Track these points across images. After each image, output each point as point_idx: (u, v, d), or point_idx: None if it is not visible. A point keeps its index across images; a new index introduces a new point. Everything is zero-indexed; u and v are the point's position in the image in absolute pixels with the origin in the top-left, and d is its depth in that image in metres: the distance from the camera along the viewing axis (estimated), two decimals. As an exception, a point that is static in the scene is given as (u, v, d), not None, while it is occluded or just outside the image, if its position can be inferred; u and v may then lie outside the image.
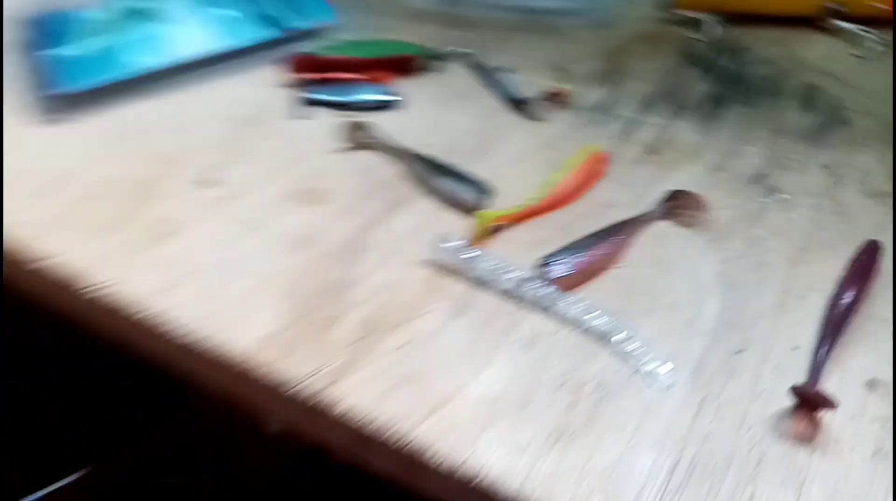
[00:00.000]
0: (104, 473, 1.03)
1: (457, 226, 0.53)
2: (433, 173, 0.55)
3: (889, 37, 0.71)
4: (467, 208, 0.54)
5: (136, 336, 0.48)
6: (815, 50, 0.71)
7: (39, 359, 1.01)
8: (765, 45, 0.73)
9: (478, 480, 0.37)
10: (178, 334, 0.45)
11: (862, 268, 0.46)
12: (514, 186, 0.56)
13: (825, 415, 0.40)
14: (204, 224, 0.52)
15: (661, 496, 0.37)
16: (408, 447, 0.39)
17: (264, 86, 0.68)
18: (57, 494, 1.02)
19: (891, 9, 0.71)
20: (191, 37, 0.71)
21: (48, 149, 0.60)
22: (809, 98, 0.65)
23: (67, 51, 0.69)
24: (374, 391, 0.41)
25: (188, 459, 1.11)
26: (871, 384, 0.41)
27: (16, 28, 0.74)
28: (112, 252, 0.50)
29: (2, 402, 0.97)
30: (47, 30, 0.72)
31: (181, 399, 1.10)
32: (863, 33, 0.72)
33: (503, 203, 0.54)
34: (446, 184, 0.54)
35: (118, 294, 0.47)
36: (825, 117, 0.62)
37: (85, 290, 0.48)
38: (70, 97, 0.65)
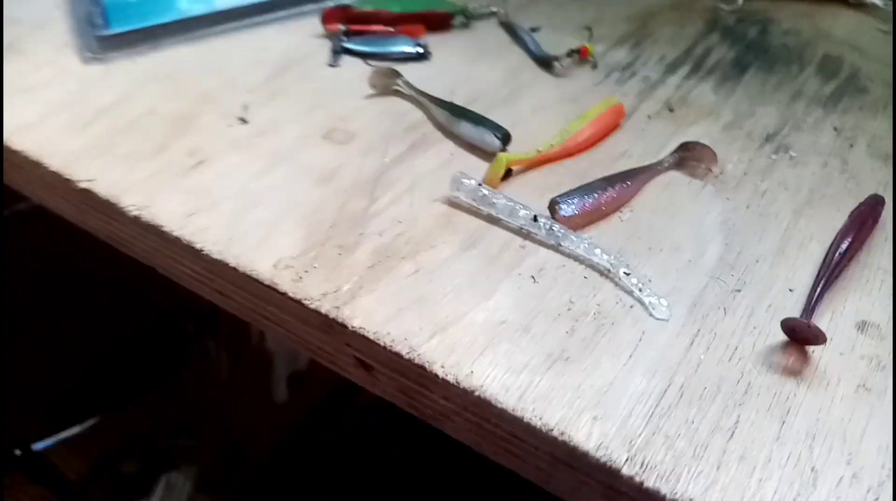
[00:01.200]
0: (111, 424, 1.07)
1: (476, 167, 0.55)
2: (456, 118, 0.57)
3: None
4: (487, 152, 0.56)
5: (171, 254, 0.51)
6: (839, 23, 0.72)
7: (55, 311, 1.05)
8: (791, 17, 0.73)
9: (477, 393, 0.40)
10: (208, 252, 0.48)
11: (862, 219, 0.47)
12: (534, 133, 0.58)
13: (814, 351, 0.41)
14: (233, 156, 0.55)
15: (650, 416, 0.39)
16: (415, 359, 0.41)
17: (303, 35, 0.71)
18: (67, 442, 1.06)
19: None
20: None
21: (94, 85, 0.64)
22: (829, 67, 0.66)
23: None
24: (385, 312, 0.44)
25: (192, 421, 1.14)
26: (862, 326, 0.43)
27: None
28: (145, 178, 0.53)
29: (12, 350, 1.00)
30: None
31: (188, 362, 1.14)
32: (889, 8, 0.72)
33: (521, 149, 0.56)
34: (467, 128, 0.57)
35: (150, 217, 0.50)
36: (842, 85, 0.63)
37: (122, 210, 0.51)
38: (117, 38, 0.68)
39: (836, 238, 0.47)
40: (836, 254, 0.45)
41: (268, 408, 1.22)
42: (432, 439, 0.50)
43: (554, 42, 0.69)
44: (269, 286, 0.45)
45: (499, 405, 0.39)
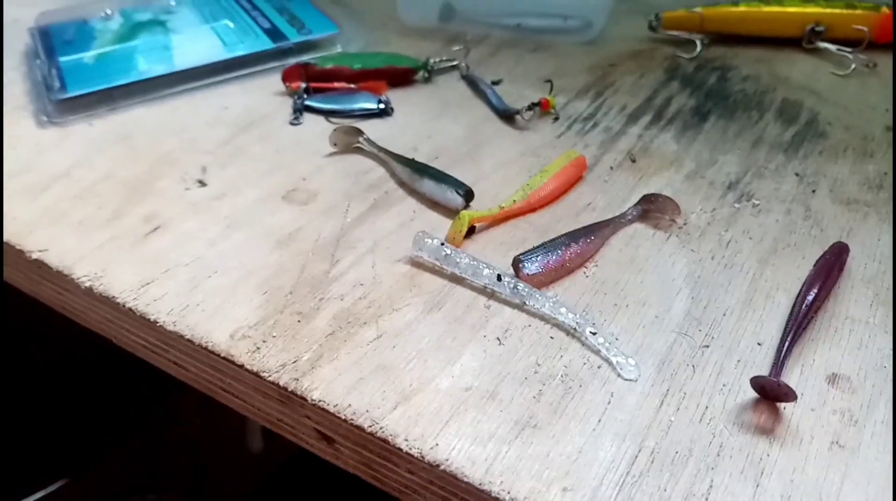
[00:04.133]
0: (80, 486, 1.03)
1: (439, 225, 0.54)
2: (418, 175, 0.57)
3: (868, 57, 0.73)
4: (449, 209, 0.55)
5: (124, 325, 0.49)
6: (796, 68, 0.73)
7: (15, 370, 1.02)
8: (748, 63, 0.74)
9: (442, 467, 0.38)
10: (162, 323, 0.46)
11: (828, 268, 0.47)
12: (497, 188, 0.57)
13: (785, 407, 0.41)
14: (190, 221, 0.54)
15: (621, 485, 0.37)
16: (378, 433, 0.40)
17: (264, 94, 0.70)
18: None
19: (868, 30, 0.73)
20: (196, 47, 0.73)
21: (49, 151, 0.62)
22: (788, 112, 0.66)
23: (76, 57, 0.72)
24: (346, 382, 0.42)
25: (167, 474, 1.11)
26: (832, 379, 0.42)
27: (29, 36, 0.77)
28: (99, 247, 0.52)
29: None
30: (58, 38, 0.75)
31: (160, 413, 1.10)
32: (843, 53, 0.73)
33: (485, 204, 0.55)
34: (430, 185, 0.56)
35: (103, 287, 0.49)
36: (802, 130, 0.64)
37: (74, 281, 0.50)
38: (74, 101, 0.67)
39: (802, 289, 0.46)
40: (804, 306, 0.45)
41: (242, 458, 1.18)
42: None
43: (515, 95, 0.69)
44: (225, 358, 0.44)
45: (465, 480, 0.37)
